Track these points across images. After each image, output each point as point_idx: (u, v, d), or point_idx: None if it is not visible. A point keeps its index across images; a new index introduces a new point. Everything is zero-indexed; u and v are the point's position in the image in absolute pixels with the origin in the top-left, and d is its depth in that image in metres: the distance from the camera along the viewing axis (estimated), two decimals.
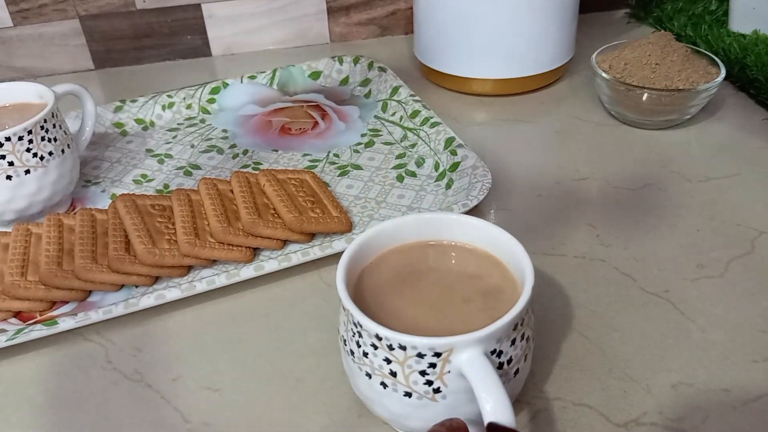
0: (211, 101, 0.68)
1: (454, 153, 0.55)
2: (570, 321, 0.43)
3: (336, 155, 0.59)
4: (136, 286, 0.47)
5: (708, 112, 0.62)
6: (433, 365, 0.31)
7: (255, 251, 0.49)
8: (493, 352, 0.31)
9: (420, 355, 0.31)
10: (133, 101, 0.66)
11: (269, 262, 0.46)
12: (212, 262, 0.48)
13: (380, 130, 0.62)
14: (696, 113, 0.60)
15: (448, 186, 0.53)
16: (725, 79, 0.65)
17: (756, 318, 0.42)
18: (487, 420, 0.29)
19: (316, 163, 0.58)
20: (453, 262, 0.37)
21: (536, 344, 0.41)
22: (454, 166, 0.54)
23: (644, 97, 0.57)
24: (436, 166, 0.56)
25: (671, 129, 0.60)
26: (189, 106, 0.67)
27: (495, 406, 0.28)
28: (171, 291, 0.44)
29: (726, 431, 0.36)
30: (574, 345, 0.41)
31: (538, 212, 0.52)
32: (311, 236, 0.50)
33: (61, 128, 0.53)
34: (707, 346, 0.40)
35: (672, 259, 0.47)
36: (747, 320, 0.42)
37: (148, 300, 0.44)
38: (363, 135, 0.62)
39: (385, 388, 0.33)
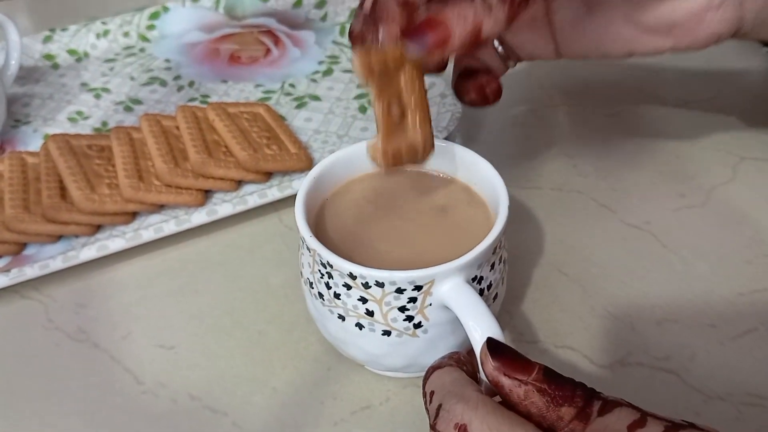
0: (151, 28, 0.62)
1: None
2: (548, 257, 0.40)
3: (291, 85, 0.55)
4: (76, 236, 0.43)
5: None
6: (413, 299, 0.29)
7: (206, 194, 0.45)
8: (474, 279, 0.29)
9: (399, 291, 0.29)
10: (64, 30, 0.60)
11: (223, 206, 0.42)
12: (159, 207, 0.44)
13: (339, 57, 0.57)
14: None
15: None
16: None
17: (741, 249, 0.40)
18: (477, 346, 0.27)
19: (270, 95, 0.54)
20: (423, 190, 0.34)
21: (513, 284, 0.38)
22: None
23: None
24: None
25: None
26: (126, 34, 0.61)
27: (485, 333, 0.27)
28: (114, 241, 0.40)
29: (714, 368, 0.34)
30: (553, 283, 0.39)
31: (511, 142, 0.49)
32: (268, 176, 0.46)
33: None
34: (691, 279, 0.39)
35: (652, 188, 0.44)
36: (731, 251, 0.40)
37: (90, 252, 0.40)
38: (320, 62, 0.57)
39: (361, 329, 0.30)
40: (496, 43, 0.37)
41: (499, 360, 0.25)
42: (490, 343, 0.25)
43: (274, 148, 0.46)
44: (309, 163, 0.46)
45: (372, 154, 0.31)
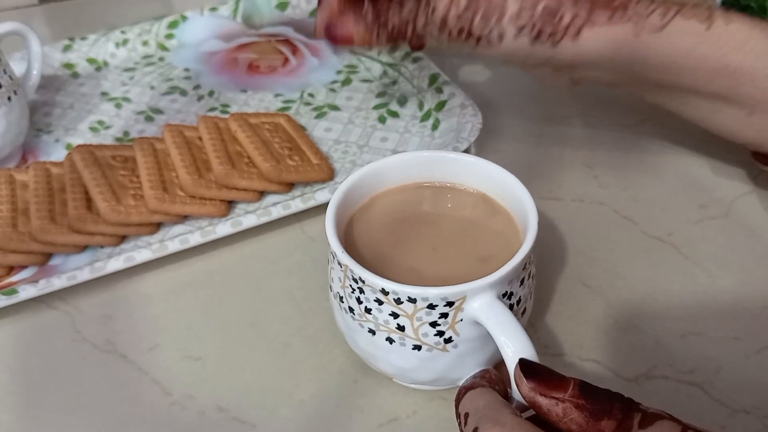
0: (170, 37, 0.62)
1: (439, 91, 0.51)
2: (571, 269, 0.40)
3: (311, 95, 0.55)
4: (101, 247, 0.43)
5: None
6: (444, 315, 0.29)
7: (229, 204, 0.45)
8: (504, 295, 0.30)
9: (431, 306, 0.29)
10: (83, 39, 0.60)
11: (247, 217, 0.43)
12: (183, 218, 0.44)
13: (357, 67, 0.58)
14: None
15: (435, 127, 0.50)
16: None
17: (764, 260, 0.40)
18: (510, 362, 0.27)
19: (290, 105, 0.54)
20: (449, 204, 0.35)
21: (537, 297, 0.38)
22: (440, 105, 0.50)
23: None
24: (420, 106, 0.52)
25: None
26: (145, 43, 0.61)
27: (517, 349, 0.27)
28: (141, 252, 0.41)
29: (739, 381, 0.34)
30: (577, 295, 0.39)
31: (531, 153, 0.49)
32: (290, 187, 0.46)
33: (5, 73, 0.48)
34: (715, 292, 0.39)
35: (673, 199, 0.44)
36: (755, 263, 0.40)
37: (117, 263, 0.40)
38: (339, 72, 0.57)
39: (391, 344, 0.30)
40: None
41: (533, 381, 0.25)
42: (523, 364, 0.26)
43: (296, 159, 0.46)
44: (331, 174, 0.46)
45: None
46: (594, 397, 0.24)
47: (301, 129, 0.50)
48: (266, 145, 0.46)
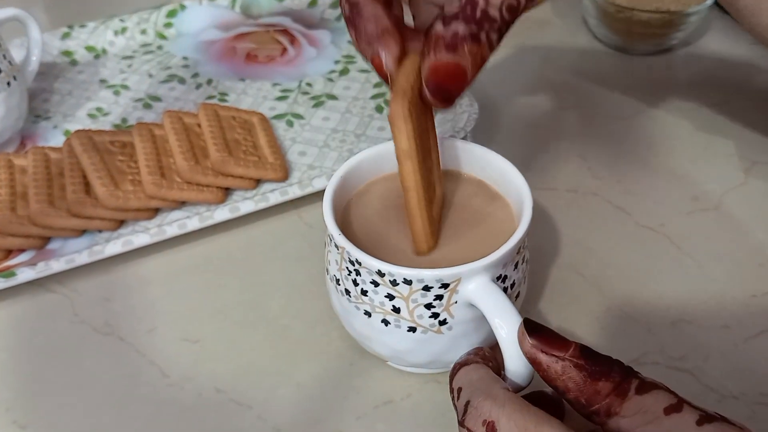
0: (168, 25, 0.62)
1: None
2: (564, 258, 0.41)
3: (308, 84, 0.55)
4: (99, 231, 0.43)
5: (694, 38, 0.60)
6: (439, 297, 0.30)
7: (226, 192, 0.45)
8: (498, 278, 0.30)
9: (426, 288, 0.29)
10: (82, 26, 0.61)
11: (245, 203, 0.43)
12: (180, 204, 0.45)
13: (354, 57, 0.58)
14: (683, 38, 0.57)
15: None
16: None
17: (754, 252, 0.41)
18: (504, 343, 0.28)
19: (288, 94, 0.54)
20: (446, 189, 0.35)
21: (530, 284, 0.39)
22: None
23: (634, 19, 0.54)
24: None
25: (658, 55, 0.58)
26: (144, 32, 0.62)
27: (511, 330, 0.27)
28: (139, 236, 0.41)
29: (728, 369, 0.35)
30: (570, 283, 0.40)
31: (526, 144, 0.50)
32: (286, 175, 0.46)
33: (5, 58, 0.48)
34: (705, 281, 0.39)
35: (666, 191, 0.45)
36: (744, 254, 0.41)
37: (115, 246, 0.41)
38: (336, 62, 0.58)
39: (387, 326, 0.31)
40: None
41: (536, 338, 0.25)
42: (527, 322, 0.26)
43: (252, 155, 0.46)
44: (284, 174, 0.46)
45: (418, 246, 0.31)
46: (594, 359, 0.24)
47: (271, 130, 0.49)
48: (224, 137, 0.46)
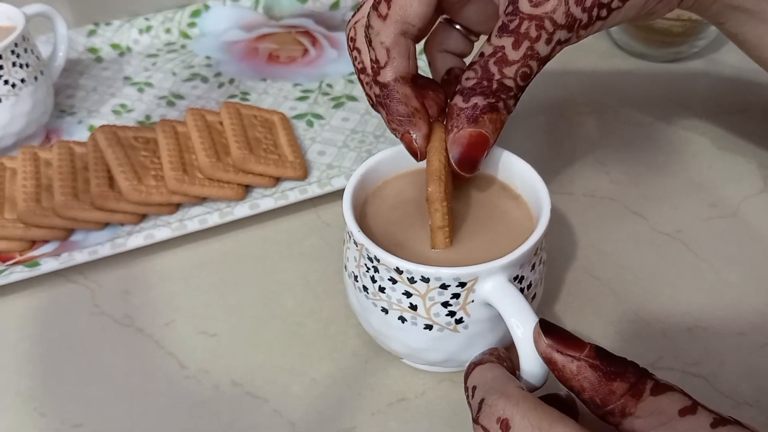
0: (192, 25, 0.63)
1: None
2: (581, 262, 0.41)
3: (329, 85, 0.56)
4: (122, 225, 0.44)
5: (715, 47, 0.60)
6: (456, 296, 0.30)
7: (246, 189, 0.46)
8: (515, 278, 0.30)
9: (443, 287, 0.30)
10: (108, 24, 0.62)
11: (264, 200, 0.43)
12: (201, 200, 0.45)
13: None
14: (703, 46, 0.57)
15: None
16: None
17: None
18: (520, 343, 0.28)
19: (308, 94, 0.55)
20: (459, 188, 0.35)
21: (546, 287, 0.39)
22: None
23: (655, 27, 0.55)
24: None
25: (678, 62, 0.58)
26: (168, 30, 0.63)
27: (527, 331, 0.28)
28: (160, 230, 0.42)
29: (743, 375, 0.35)
30: (586, 287, 0.40)
31: (541, 149, 0.50)
32: (305, 174, 0.47)
33: (33, 53, 0.49)
34: (721, 288, 0.39)
35: (683, 197, 0.45)
36: (761, 261, 0.41)
37: (137, 240, 0.41)
38: None
39: (403, 323, 0.31)
40: (458, 26, 0.37)
41: (552, 338, 0.25)
42: (543, 323, 0.26)
43: (273, 154, 0.46)
44: (303, 173, 0.46)
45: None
46: (609, 360, 0.24)
47: (291, 129, 0.50)
48: (246, 135, 0.47)
